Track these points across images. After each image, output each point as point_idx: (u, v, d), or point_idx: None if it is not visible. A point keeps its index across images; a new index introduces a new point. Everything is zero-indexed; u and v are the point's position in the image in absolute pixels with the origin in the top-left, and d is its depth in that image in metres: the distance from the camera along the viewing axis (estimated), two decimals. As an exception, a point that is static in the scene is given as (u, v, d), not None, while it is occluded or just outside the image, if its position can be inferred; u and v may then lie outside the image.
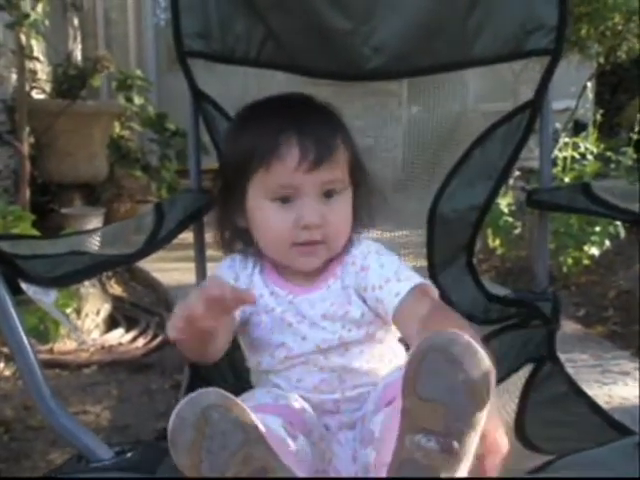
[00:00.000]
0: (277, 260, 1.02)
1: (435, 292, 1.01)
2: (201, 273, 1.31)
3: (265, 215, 0.98)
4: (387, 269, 1.00)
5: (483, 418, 0.68)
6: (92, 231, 1.10)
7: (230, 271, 1.04)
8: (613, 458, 0.84)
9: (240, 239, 1.05)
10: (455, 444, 0.67)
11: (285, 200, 0.97)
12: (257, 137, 0.98)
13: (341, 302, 1.00)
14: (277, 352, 1.01)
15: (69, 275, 0.86)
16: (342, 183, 0.99)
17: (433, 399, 0.67)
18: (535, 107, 1.20)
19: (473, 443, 0.68)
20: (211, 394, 0.69)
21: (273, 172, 0.95)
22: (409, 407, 0.68)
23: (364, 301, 1.01)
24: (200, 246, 1.30)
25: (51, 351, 2.34)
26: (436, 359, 0.67)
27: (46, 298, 0.80)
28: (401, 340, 1.06)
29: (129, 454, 0.74)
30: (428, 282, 1.01)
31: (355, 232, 1.05)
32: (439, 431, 0.67)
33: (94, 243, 1.00)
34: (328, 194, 0.98)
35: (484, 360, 0.68)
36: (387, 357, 1.04)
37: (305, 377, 1.00)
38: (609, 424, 1.04)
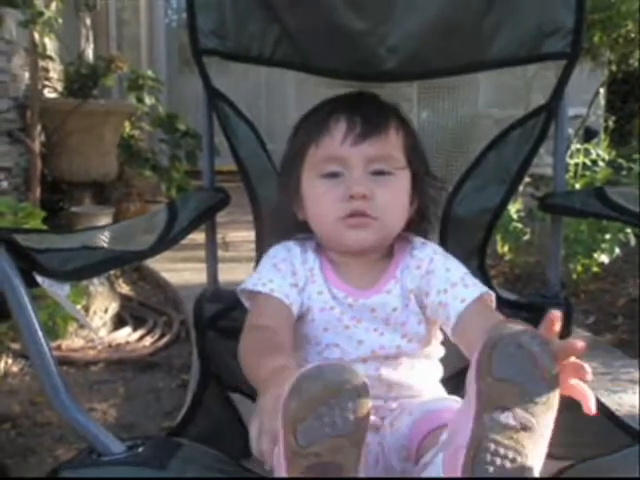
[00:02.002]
0: (329, 238, 1.02)
1: (494, 303, 1.01)
2: (212, 273, 1.30)
3: (315, 192, 1.00)
4: (453, 273, 1.00)
5: (557, 398, 0.71)
6: (104, 227, 1.10)
7: (286, 264, 1.02)
8: (626, 465, 0.84)
9: (299, 232, 1.06)
10: (533, 420, 0.68)
11: (334, 175, 0.98)
12: (310, 124, 1.02)
13: (402, 308, 1.01)
14: (328, 352, 1.00)
15: (82, 269, 0.86)
16: (394, 162, 1.00)
17: (508, 379, 0.69)
18: (550, 111, 1.19)
19: (549, 422, 0.70)
20: (361, 377, 0.69)
21: (322, 146, 0.99)
22: (485, 388, 0.70)
23: (422, 307, 1.01)
24: (212, 246, 1.30)
25: (59, 348, 2.35)
26: (508, 344, 0.70)
27: (60, 291, 0.80)
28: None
29: (141, 449, 0.73)
30: (491, 292, 1.01)
31: (419, 233, 1.06)
32: (516, 408, 0.68)
33: (106, 239, 1.00)
34: (379, 172, 0.98)
35: (550, 348, 0.70)
36: (431, 373, 1.05)
37: None
38: (622, 429, 1.03)
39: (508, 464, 0.68)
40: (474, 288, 0.98)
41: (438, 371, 1.07)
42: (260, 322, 0.97)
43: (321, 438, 0.67)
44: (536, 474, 0.70)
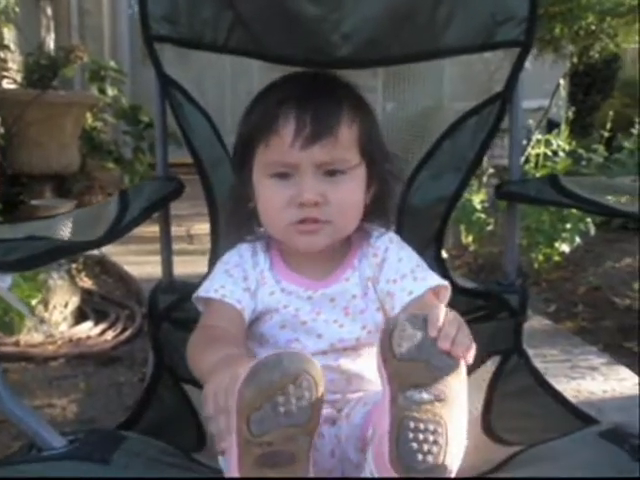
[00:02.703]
0: (280, 240, 1.01)
1: (447, 292, 1.00)
2: (167, 265, 1.28)
3: (265, 192, 0.98)
4: (404, 264, 1.00)
5: (463, 367, 0.73)
6: (54, 217, 1.07)
7: (238, 270, 1.01)
8: (575, 448, 0.85)
9: (253, 222, 1.03)
10: (445, 390, 0.71)
11: (284, 176, 0.95)
12: (260, 112, 0.98)
13: (361, 295, 1.00)
14: (287, 348, 0.99)
15: (25, 260, 0.84)
16: (346, 162, 0.96)
17: (411, 358, 0.71)
18: (505, 98, 1.20)
19: (461, 389, 0.73)
20: (317, 367, 0.70)
21: (271, 147, 0.95)
22: (393, 371, 0.72)
23: (377, 295, 1.01)
24: (166, 237, 1.27)
25: (17, 344, 2.29)
26: (404, 327, 0.73)
27: (1, 282, 0.78)
28: None
29: (83, 443, 0.71)
30: (444, 282, 1.00)
31: (378, 217, 1.04)
32: (426, 382, 0.71)
33: (55, 229, 0.97)
34: (331, 173, 0.95)
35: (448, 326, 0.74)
36: None
37: None
38: (574, 414, 1.04)
39: (430, 436, 0.70)
40: (423, 282, 0.97)
41: None
42: (210, 324, 0.97)
43: (275, 427, 0.67)
44: (460, 441, 0.72)
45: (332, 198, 0.94)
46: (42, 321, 2.33)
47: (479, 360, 1.20)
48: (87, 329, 2.51)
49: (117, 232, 1.02)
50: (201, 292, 1.00)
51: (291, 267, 1.02)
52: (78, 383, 2.14)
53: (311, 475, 0.73)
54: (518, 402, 1.15)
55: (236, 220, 1.07)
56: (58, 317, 2.47)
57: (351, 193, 0.97)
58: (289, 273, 1.01)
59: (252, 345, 1.03)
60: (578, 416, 1.03)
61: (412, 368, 0.71)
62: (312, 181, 0.93)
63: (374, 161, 1.01)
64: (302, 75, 1.06)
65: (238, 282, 0.99)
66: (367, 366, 1.00)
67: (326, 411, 0.97)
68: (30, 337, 2.35)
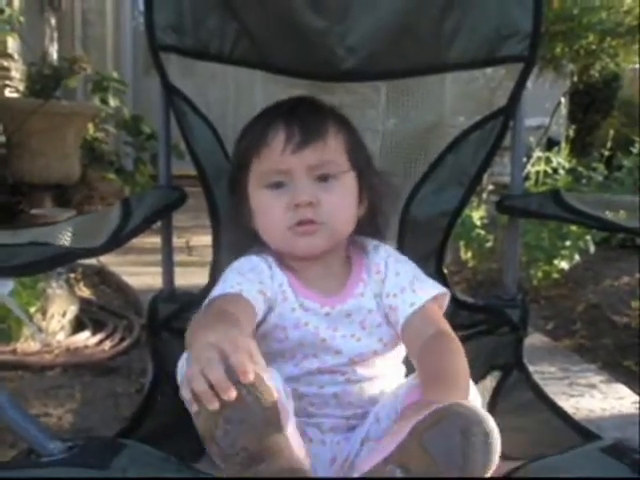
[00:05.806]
0: (281, 248, 1.03)
1: (446, 299, 1.04)
2: (168, 274, 1.28)
3: (262, 203, 1.01)
4: (402, 278, 1.03)
5: None
6: (56, 223, 1.07)
7: (254, 274, 1.00)
8: (578, 463, 0.84)
9: (254, 241, 1.05)
10: None
11: (278, 186, 0.99)
12: (251, 136, 1.03)
13: (376, 309, 1.02)
14: (306, 363, 1.01)
15: (27, 265, 0.84)
16: (336, 166, 1.01)
17: (431, 453, 0.69)
18: (508, 113, 1.20)
19: None
20: (253, 371, 0.71)
21: (263, 158, 0.99)
22: (407, 447, 0.71)
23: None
24: (168, 247, 1.27)
25: (14, 352, 2.28)
26: (450, 425, 0.70)
27: (1, 288, 0.77)
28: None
29: (82, 449, 0.71)
30: (443, 290, 1.04)
31: (372, 230, 1.08)
32: (411, 469, 0.70)
33: (57, 235, 0.97)
34: (323, 177, 1.00)
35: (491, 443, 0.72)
36: (399, 375, 1.08)
37: (328, 385, 1.01)
38: (575, 430, 1.04)
39: None
40: (422, 293, 1.01)
41: (402, 371, 1.09)
42: (220, 307, 0.93)
43: (240, 434, 0.69)
44: None
45: (324, 200, 0.99)
46: (40, 330, 2.32)
47: (479, 375, 1.20)
48: (85, 339, 2.50)
49: (119, 240, 1.02)
50: (214, 293, 0.97)
51: (305, 284, 1.03)
52: (75, 393, 2.12)
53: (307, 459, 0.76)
54: (519, 417, 1.14)
55: (238, 242, 1.09)
56: (56, 326, 2.46)
57: (342, 197, 1.01)
58: (305, 290, 1.02)
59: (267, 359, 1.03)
60: (579, 432, 1.03)
61: (422, 458, 0.70)
62: (305, 184, 0.98)
63: (363, 173, 1.05)
64: (287, 100, 1.09)
65: (254, 283, 0.99)
66: (380, 372, 1.03)
67: (335, 421, 0.99)
68: (27, 345, 2.34)
